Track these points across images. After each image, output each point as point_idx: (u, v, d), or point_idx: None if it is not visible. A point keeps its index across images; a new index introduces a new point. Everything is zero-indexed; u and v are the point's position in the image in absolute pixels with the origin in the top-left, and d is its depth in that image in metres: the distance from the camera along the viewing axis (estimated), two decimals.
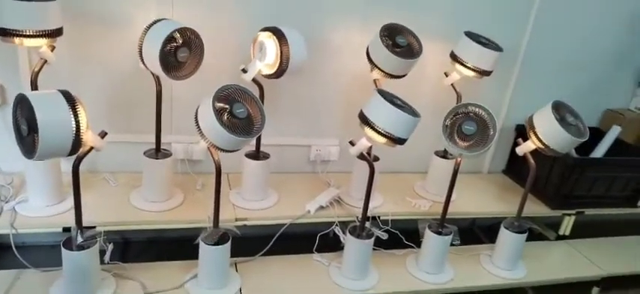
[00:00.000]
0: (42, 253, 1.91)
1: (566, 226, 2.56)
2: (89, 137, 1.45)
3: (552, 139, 1.90)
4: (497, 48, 2.16)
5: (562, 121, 1.90)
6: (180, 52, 1.71)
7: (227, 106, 1.53)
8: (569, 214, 2.52)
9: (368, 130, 1.67)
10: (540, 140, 1.92)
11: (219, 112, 1.49)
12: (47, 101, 1.35)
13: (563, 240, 2.58)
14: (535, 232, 2.62)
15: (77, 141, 1.37)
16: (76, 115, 1.36)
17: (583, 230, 2.61)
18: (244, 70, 1.90)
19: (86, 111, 1.40)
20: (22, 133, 1.38)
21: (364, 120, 1.67)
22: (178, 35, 1.70)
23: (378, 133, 1.64)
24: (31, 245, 2.05)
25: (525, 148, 1.98)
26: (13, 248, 1.75)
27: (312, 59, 2.11)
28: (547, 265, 2.35)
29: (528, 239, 2.18)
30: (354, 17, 2.22)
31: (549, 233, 2.63)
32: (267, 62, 1.88)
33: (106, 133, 1.51)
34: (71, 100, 1.37)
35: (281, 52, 1.83)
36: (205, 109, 1.49)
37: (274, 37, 1.84)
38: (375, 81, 2.12)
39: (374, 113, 1.66)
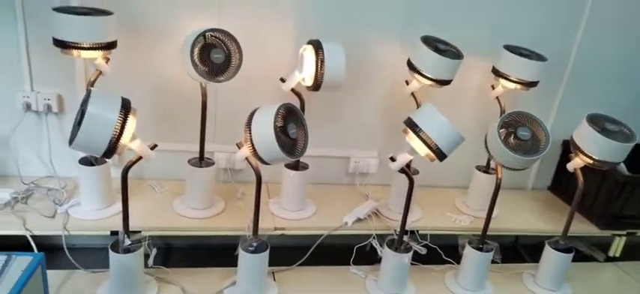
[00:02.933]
0: (91, 255, 1.99)
1: (617, 247, 2.44)
2: (139, 147, 1.53)
3: (600, 151, 1.83)
4: (539, 58, 2.11)
5: (603, 131, 1.84)
6: (214, 53, 1.77)
7: (281, 124, 1.56)
8: (620, 235, 2.40)
9: (412, 137, 1.65)
10: (588, 156, 1.85)
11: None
12: (104, 100, 1.43)
13: (612, 262, 2.46)
14: (584, 253, 2.50)
15: (114, 144, 1.42)
16: (123, 121, 1.42)
17: (635, 252, 2.48)
18: (283, 80, 1.94)
19: (135, 122, 1.46)
20: (75, 123, 1.46)
21: (411, 125, 1.65)
22: (213, 38, 1.77)
23: (425, 142, 1.62)
24: (81, 247, 2.15)
25: (575, 164, 1.91)
26: (65, 249, 1.84)
27: (353, 72, 2.12)
28: (594, 288, 2.24)
29: (576, 260, 2.09)
30: (394, 31, 2.22)
31: (598, 254, 2.51)
32: (305, 74, 1.91)
33: (156, 146, 1.58)
34: (126, 108, 1.44)
35: (317, 65, 1.85)
36: (265, 118, 1.50)
37: (313, 50, 1.86)
38: (413, 95, 2.11)
39: (424, 121, 1.64)
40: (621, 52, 2.50)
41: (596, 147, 1.83)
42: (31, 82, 2.00)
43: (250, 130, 1.53)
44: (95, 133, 1.40)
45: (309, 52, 1.88)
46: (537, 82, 2.13)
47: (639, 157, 2.33)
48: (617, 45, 2.47)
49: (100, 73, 1.79)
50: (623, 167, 2.32)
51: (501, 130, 1.78)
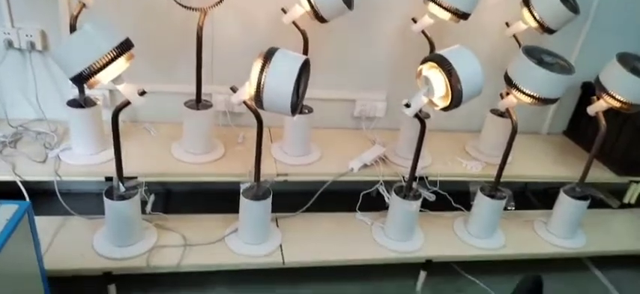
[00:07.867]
0: (86, 201, 1.93)
1: (632, 194, 2.35)
2: (125, 90, 1.43)
3: (630, 92, 1.72)
4: (573, 8, 1.93)
5: (634, 70, 1.71)
6: None
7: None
8: (637, 182, 2.31)
9: (437, 75, 1.53)
10: (615, 98, 1.72)
11: None
12: (106, 29, 1.34)
13: (627, 209, 2.39)
14: (596, 199, 2.43)
15: (88, 73, 1.31)
16: (113, 58, 1.31)
17: None
18: (284, 11, 1.79)
19: (124, 66, 1.37)
20: None
21: (442, 63, 1.50)
22: None
23: (451, 85, 1.48)
24: (77, 192, 2.08)
25: (597, 107, 1.79)
26: (58, 195, 1.77)
27: (360, 9, 1.96)
28: (609, 234, 2.18)
29: (589, 207, 2.02)
30: None
31: (612, 201, 2.44)
32: (304, 6, 1.75)
33: (144, 92, 1.46)
34: (124, 47, 1.33)
35: None
36: (287, 68, 1.34)
37: None
38: (424, 32, 1.96)
39: (458, 62, 1.49)
40: None
41: (627, 88, 1.70)
42: (11, 17, 1.85)
43: (264, 74, 1.34)
44: (79, 51, 1.30)
45: None
46: (556, 30, 1.98)
47: None
48: None
49: (84, 5, 1.64)
50: None
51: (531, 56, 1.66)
